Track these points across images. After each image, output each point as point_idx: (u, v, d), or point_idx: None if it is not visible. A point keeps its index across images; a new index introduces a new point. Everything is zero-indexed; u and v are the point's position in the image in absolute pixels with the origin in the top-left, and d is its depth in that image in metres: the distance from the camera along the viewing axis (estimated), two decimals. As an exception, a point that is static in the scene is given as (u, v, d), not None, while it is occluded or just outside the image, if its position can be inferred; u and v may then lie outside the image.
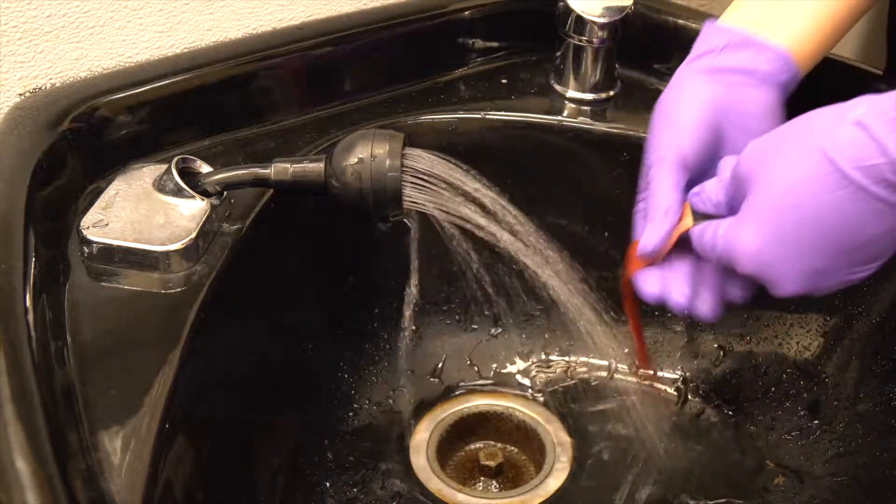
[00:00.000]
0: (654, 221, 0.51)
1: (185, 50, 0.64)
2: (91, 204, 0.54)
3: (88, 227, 0.51)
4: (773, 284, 0.46)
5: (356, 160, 0.51)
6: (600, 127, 0.69)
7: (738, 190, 0.47)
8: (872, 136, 0.40)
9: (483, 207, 0.54)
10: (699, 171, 0.52)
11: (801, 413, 0.67)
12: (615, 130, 0.69)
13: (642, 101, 0.72)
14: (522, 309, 0.73)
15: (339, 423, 0.67)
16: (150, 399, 0.43)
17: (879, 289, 0.64)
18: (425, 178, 0.52)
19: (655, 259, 0.52)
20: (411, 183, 0.52)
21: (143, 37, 0.62)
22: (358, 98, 0.69)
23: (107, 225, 0.52)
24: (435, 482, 0.65)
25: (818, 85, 0.65)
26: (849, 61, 0.66)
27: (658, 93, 0.73)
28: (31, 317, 0.44)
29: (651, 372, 0.64)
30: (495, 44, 0.75)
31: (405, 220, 0.55)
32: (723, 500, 0.63)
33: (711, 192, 0.49)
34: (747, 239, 0.45)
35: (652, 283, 0.52)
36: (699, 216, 0.50)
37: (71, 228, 0.53)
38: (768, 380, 0.69)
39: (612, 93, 0.71)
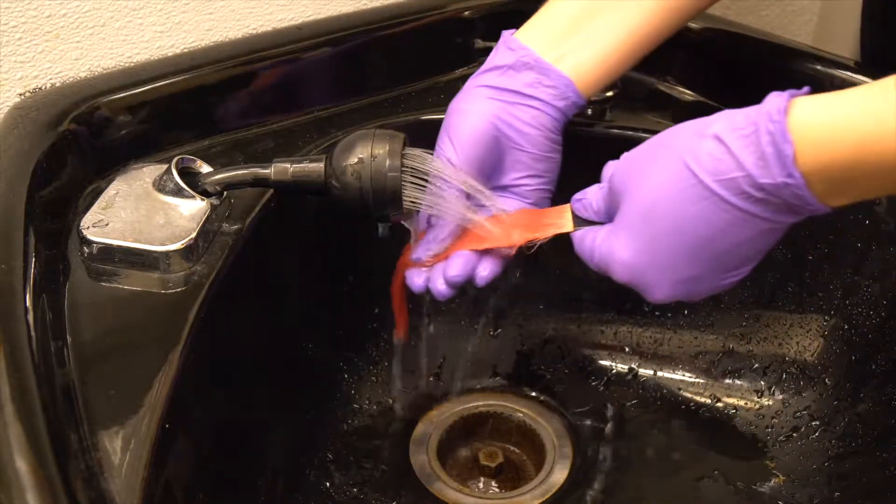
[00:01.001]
0: (431, 231, 0.54)
1: (185, 50, 0.64)
2: (91, 204, 0.54)
3: (88, 227, 0.51)
4: (646, 291, 0.48)
5: (356, 160, 0.51)
6: (600, 127, 0.69)
7: (614, 199, 0.48)
8: (729, 150, 0.42)
9: (483, 207, 0.54)
10: (478, 180, 0.54)
11: (802, 413, 0.67)
12: (615, 130, 0.69)
13: (642, 101, 0.72)
14: (523, 308, 0.73)
15: (339, 423, 0.67)
16: (150, 399, 0.43)
17: (879, 289, 0.64)
18: (425, 178, 0.52)
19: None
20: (411, 183, 0.52)
21: (143, 37, 0.62)
22: (358, 98, 0.69)
23: (107, 225, 0.52)
24: (435, 482, 0.65)
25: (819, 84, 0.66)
26: (825, 53, 0.66)
27: (658, 93, 0.74)
28: (31, 317, 0.44)
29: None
30: (495, 44, 0.75)
31: (405, 220, 0.55)
32: (722, 500, 0.63)
33: (593, 198, 0.51)
34: (620, 248, 0.47)
35: (419, 276, 0.55)
36: (580, 221, 0.51)
37: (71, 228, 0.53)
38: (768, 380, 0.69)
39: (612, 93, 0.71)
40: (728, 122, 0.43)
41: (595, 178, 0.52)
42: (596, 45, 0.56)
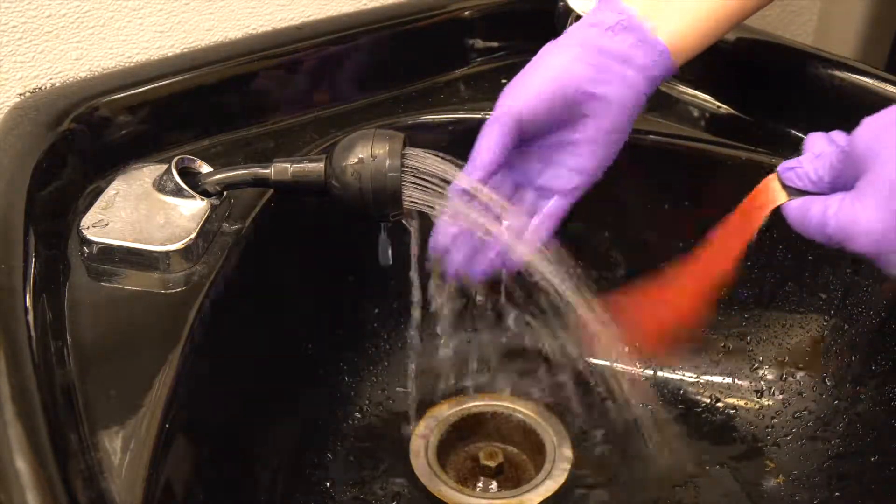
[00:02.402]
0: (470, 166, 0.52)
1: (185, 50, 0.64)
2: (91, 204, 0.54)
3: (88, 227, 0.51)
4: (891, 264, 0.45)
5: (356, 160, 0.51)
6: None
7: (851, 167, 0.46)
8: None
9: (483, 207, 0.54)
10: (532, 135, 0.53)
11: (802, 413, 0.67)
12: (615, 130, 0.69)
13: (642, 101, 0.72)
14: (523, 308, 0.73)
15: (339, 423, 0.67)
16: (150, 399, 0.43)
17: (879, 289, 0.64)
18: (425, 178, 0.52)
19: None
20: (411, 183, 0.52)
21: (143, 37, 0.62)
22: (358, 98, 0.69)
23: (107, 225, 0.52)
24: (435, 482, 0.65)
25: (819, 84, 0.66)
26: (825, 53, 0.66)
27: (658, 93, 0.73)
28: (31, 317, 0.44)
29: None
30: (495, 44, 0.75)
31: (405, 220, 0.55)
32: (722, 500, 0.63)
33: (810, 167, 0.48)
34: (867, 218, 0.44)
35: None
36: (793, 191, 0.49)
37: (71, 228, 0.53)
38: (768, 380, 0.69)
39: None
40: None
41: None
42: (692, 15, 0.55)
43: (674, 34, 0.54)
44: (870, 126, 0.45)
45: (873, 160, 0.44)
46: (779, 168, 0.50)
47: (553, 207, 0.56)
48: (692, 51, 0.56)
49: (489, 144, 0.52)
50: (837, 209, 0.46)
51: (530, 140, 0.54)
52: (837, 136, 0.48)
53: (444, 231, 0.54)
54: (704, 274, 0.54)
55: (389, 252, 0.54)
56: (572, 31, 0.55)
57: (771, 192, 0.50)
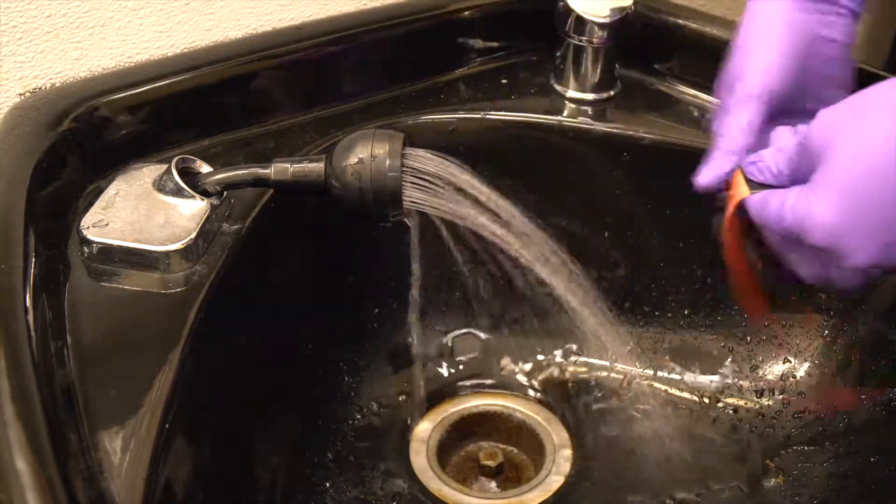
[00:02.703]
0: (716, 158, 0.50)
1: (185, 50, 0.64)
2: (91, 204, 0.54)
3: (88, 227, 0.51)
4: (847, 256, 0.44)
5: (356, 160, 0.51)
6: (600, 127, 0.69)
7: (807, 160, 0.46)
8: None
9: (483, 207, 0.54)
10: (784, 103, 0.51)
11: (801, 413, 0.67)
12: (615, 130, 0.69)
13: (642, 101, 0.72)
14: (523, 308, 0.73)
15: (339, 423, 0.67)
16: (150, 399, 0.43)
17: (879, 289, 0.64)
18: (425, 178, 0.52)
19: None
20: (411, 183, 0.52)
21: (143, 37, 0.62)
22: (358, 98, 0.69)
23: (107, 225, 0.52)
24: (435, 482, 0.65)
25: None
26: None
27: (658, 93, 0.74)
28: (31, 317, 0.44)
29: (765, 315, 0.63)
30: (495, 44, 0.75)
31: (405, 220, 0.55)
32: (722, 500, 0.63)
33: (771, 161, 0.48)
34: (822, 210, 0.44)
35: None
36: (755, 185, 0.49)
37: (71, 228, 0.53)
38: (768, 380, 0.69)
39: (612, 93, 0.71)
40: None
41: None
42: None
43: None
44: (824, 119, 0.45)
45: (827, 153, 0.44)
46: (744, 162, 0.50)
47: None
48: None
49: (739, 129, 0.50)
50: (794, 202, 0.46)
51: (777, 117, 0.52)
52: (802, 128, 0.48)
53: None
54: (732, 273, 0.53)
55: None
56: None
57: (737, 187, 0.50)
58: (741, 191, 0.49)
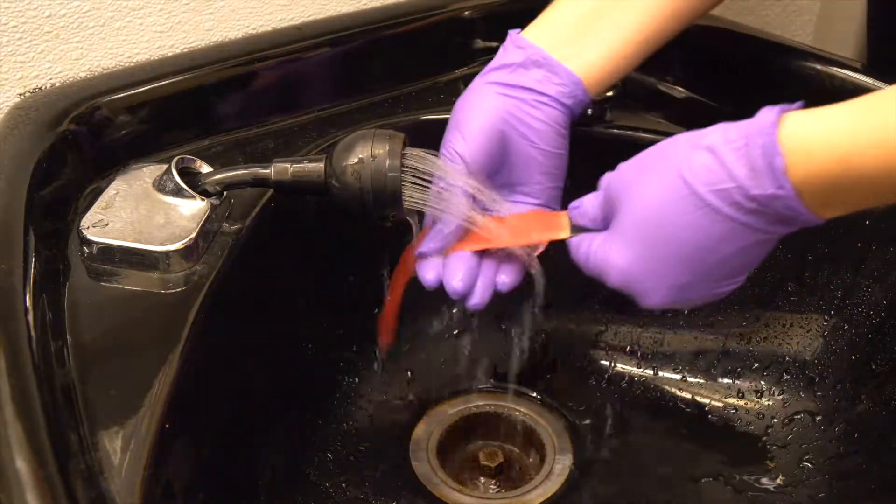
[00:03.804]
0: (435, 230, 0.53)
1: (185, 50, 0.64)
2: (91, 204, 0.54)
3: (88, 227, 0.51)
4: (640, 297, 0.48)
5: (356, 160, 0.51)
6: (600, 127, 0.69)
7: (610, 208, 0.49)
8: (722, 161, 0.43)
9: (483, 207, 0.54)
10: (484, 177, 0.54)
11: (802, 413, 0.67)
12: (615, 130, 0.69)
13: (642, 101, 0.72)
14: (523, 308, 0.73)
15: (339, 423, 0.67)
16: (150, 399, 0.43)
17: (879, 289, 0.64)
18: (425, 178, 0.52)
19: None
20: (411, 183, 0.52)
21: (143, 37, 0.62)
22: (358, 98, 0.69)
23: (107, 225, 0.52)
24: (435, 482, 0.65)
25: (819, 84, 0.66)
26: (825, 53, 0.66)
27: (658, 93, 0.73)
28: (31, 317, 0.44)
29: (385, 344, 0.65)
30: (495, 44, 0.75)
31: (405, 219, 0.55)
32: (722, 500, 0.63)
33: (589, 206, 0.51)
34: (615, 255, 0.48)
35: (430, 271, 0.54)
36: (577, 228, 0.52)
37: (71, 228, 0.53)
38: (768, 380, 0.69)
39: (612, 93, 0.71)
40: (722, 135, 0.44)
41: (596, 179, 0.51)
42: (603, 45, 0.56)
43: (585, 65, 0.56)
44: (620, 170, 0.49)
45: (621, 202, 0.48)
46: (569, 206, 0.53)
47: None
48: (608, 79, 0.58)
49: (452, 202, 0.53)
50: (596, 247, 0.49)
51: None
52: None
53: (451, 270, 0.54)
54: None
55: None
56: (485, 75, 0.56)
57: (560, 226, 0.53)
58: (563, 232, 0.52)
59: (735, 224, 0.43)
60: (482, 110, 0.55)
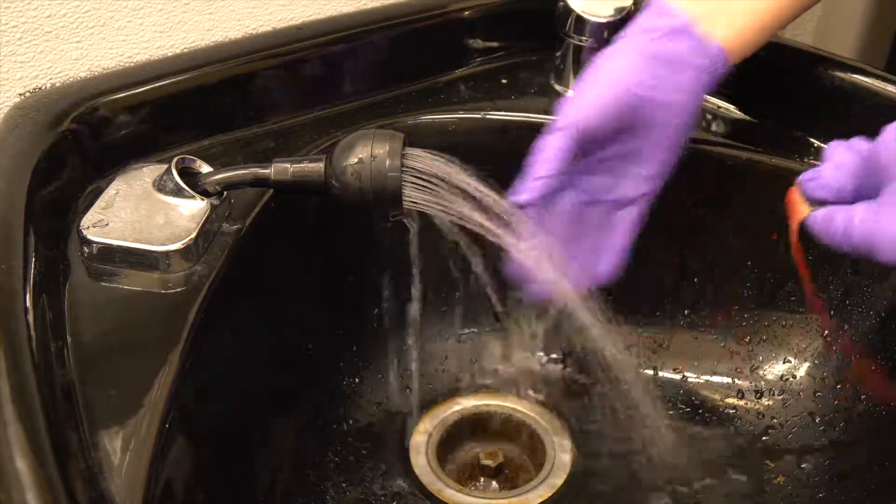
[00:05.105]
0: (530, 178, 0.52)
1: (185, 50, 0.64)
2: (91, 204, 0.54)
3: (88, 227, 0.51)
4: None
5: (356, 160, 0.51)
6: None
7: (874, 175, 0.46)
8: None
9: (483, 207, 0.54)
10: (593, 147, 0.53)
11: (802, 413, 0.67)
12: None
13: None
14: (523, 308, 0.73)
15: (339, 423, 0.67)
16: (150, 399, 0.43)
17: (879, 289, 0.64)
18: (425, 178, 0.52)
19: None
20: (411, 183, 0.52)
21: (143, 37, 0.62)
22: (358, 98, 0.69)
23: (107, 225, 0.52)
24: (435, 482, 0.65)
25: (819, 84, 0.66)
26: (825, 53, 0.66)
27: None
28: (31, 317, 0.44)
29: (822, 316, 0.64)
30: (495, 44, 0.75)
31: (405, 220, 0.55)
32: (722, 500, 0.63)
33: (831, 177, 0.49)
34: (894, 226, 0.44)
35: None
36: (815, 202, 0.49)
37: (71, 228, 0.53)
38: (768, 380, 0.69)
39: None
40: None
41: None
42: (748, 13, 0.55)
43: (728, 34, 0.54)
44: (894, 133, 0.45)
45: None
46: (799, 179, 0.50)
47: (623, 218, 0.56)
48: (748, 48, 0.56)
49: (549, 155, 0.52)
50: (863, 218, 0.45)
51: (591, 152, 0.54)
52: (858, 143, 0.48)
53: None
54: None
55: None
56: (627, 38, 0.55)
57: (794, 205, 0.50)
58: (801, 209, 0.49)
59: None
60: (617, 72, 0.53)
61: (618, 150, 0.54)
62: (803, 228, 0.50)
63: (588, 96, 0.53)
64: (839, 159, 0.49)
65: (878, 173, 0.46)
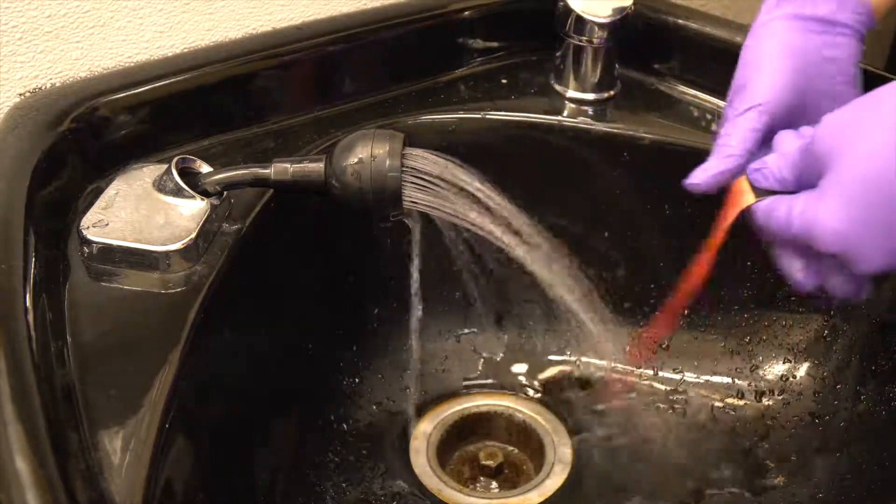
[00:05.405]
0: (713, 159, 0.51)
1: (185, 50, 0.64)
2: (91, 204, 0.54)
3: (88, 227, 0.51)
4: (856, 262, 0.45)
5: (356, 160, 0.51)
6: (600, 127, 0.69)
7: (813, 165, 0.46)
8: None
9: (483, 207, 0.54)
10: (786, 119, 0.51)
11: (801, 413, 0.67)
12: (615, 130, 0.69)
13: (642, 101, 0.72)
14: (523, 308, 0.73)
15: (339, 423, 0.67)
16: (150, 399, 0.43)
17: (879, 289, 0.64)
18: (425, 178, 0.52)
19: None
20: (411, 183, 0.52)
21: (143, 37, 0.62)
22: (358, 98, 0.69)
23: (107, 225, 0.52)
24: (435, 482, 0.65)
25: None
26: None
27: (658, 93, 0.73)
28: (31, 317, 0.44)
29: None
30: (495, 44, 0.75)
31: (405, 220, 0.55)
32: (722, 500, 0.63)
33: (775, 167, 0.48)
34: (831, 217, 0.44)
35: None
36: (760, 192, 0.49)
37: (71, 228, 0.53)
38: (768, 380, 0.69)
39: (612, 93, 0.71)
40: None
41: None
42: None
43: None
44: (831, 123, 0.45)
45: (834, 158, 0.44)
46: (747, 168, 0.50)
47: None
48: (890, 4, 0.55)
49: (742, 132, 0.50)
50: (802, 208, 0.46)
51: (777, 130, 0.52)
52: (806, 130, 0.48)
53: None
54: (688, 277, 0.54)
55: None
56: (773, 11, 0.54)
57: (740, 194, 0.50)
58: (746, 198, 0.49)
59: None
60: (782, 47, 0.52)
61: (789, 122, 0.52)
62: (742, 219, 0.50)
63: (769, 71, 0.51)
64: (784, 149, 0.48)
65: (817, 163, 0.45)
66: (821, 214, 0.44)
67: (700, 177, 0.51)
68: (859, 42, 0.54)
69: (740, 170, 0.50)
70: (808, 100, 0.52)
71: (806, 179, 0.47)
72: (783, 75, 0.51)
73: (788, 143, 0.48)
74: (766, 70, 0.51)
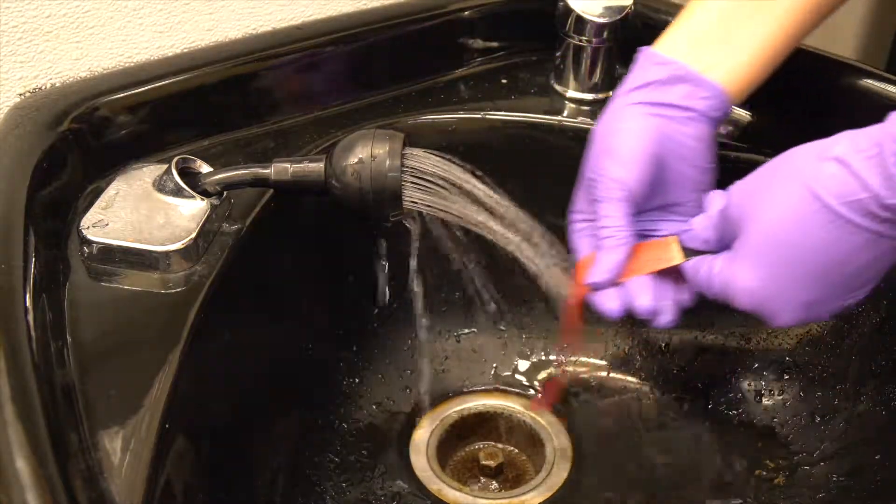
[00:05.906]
0: (607, 254, 0.53)
1: (185, 50, 0.64)
2: (91, 204, 0.54)
3: (88, 227, 0.51)
4: (770, 317, 0.48)
5: (356, 160, 0.51)
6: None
7: (728, 228, 0.49)
8: (854, 172, 0.42)
9: (483, 207, 0.54)
10: (644, 201, 0.54)
11: (801, 413, 0.67)
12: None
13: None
14: (523, 308, 0.73)
15: (339, 423, 0.67)
16: (150, 399, 0.43)
17: (879, 289, 0.64)
18: (425, 178, 0.52)
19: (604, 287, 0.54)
20: (411, 183, 0.52)
21: (143, 37, 0.62)
22: (358, 98, 0.69)
23: (107, 225, 0.52)
24: (435, 482, 0.65)
25: (824, 84, 0.66)
26: (849, 61, 0.66)
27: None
28: (31, 317, 0.44)
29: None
30: (495, 44, 0.75)
31: (405, 220, 0.55)
32: (722, 500, 0.63)
33: (700, 229, 0.51)
34: (743, 277, 0.47)
35: (611, 299, 0.53)
36: (689, 252, 0.52)
37: (71, 228, 0.53)
38: (768, 380, 0.69)
39: (612, 93, 0.71)
40: (850, 144, 0.43)
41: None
42: (742, 53, 0.55)
43: (728, 73, 0.55)
44: (740, 189, 0.48)
45: (743, 223, 0.47)
46: (677, 230, 0.53)
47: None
48: (750, 85, 0.56)
49: (618, 222, 0.52)
50: (719, 269, 0.49)
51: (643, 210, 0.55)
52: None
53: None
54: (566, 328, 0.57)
55: (387, 291, 0.55)
56: (626, 97, 0.55)
57: (671, 252, 0.53)
58: (674, 256, 0.52)
59: (870, 235, 0.43)
60: (635, 133, 0.53)
61: (655, 203, 0.55)
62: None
63: (624, 157, 0.53)
64: (711, 211, 0.50)
65: (731, 227, 0.48)
66: (735, 275, 0.48)
67: (602, 276, 0.53)
68: (711, 126, 0.55)
69: (627, 255, 0.53)
70: (668, 178, 0.54)
71: (726, 240, 0.49)
72: (644, 159, 0.53)
73: (715, 204, 0.50)
74: (626, 157, 0.53)
